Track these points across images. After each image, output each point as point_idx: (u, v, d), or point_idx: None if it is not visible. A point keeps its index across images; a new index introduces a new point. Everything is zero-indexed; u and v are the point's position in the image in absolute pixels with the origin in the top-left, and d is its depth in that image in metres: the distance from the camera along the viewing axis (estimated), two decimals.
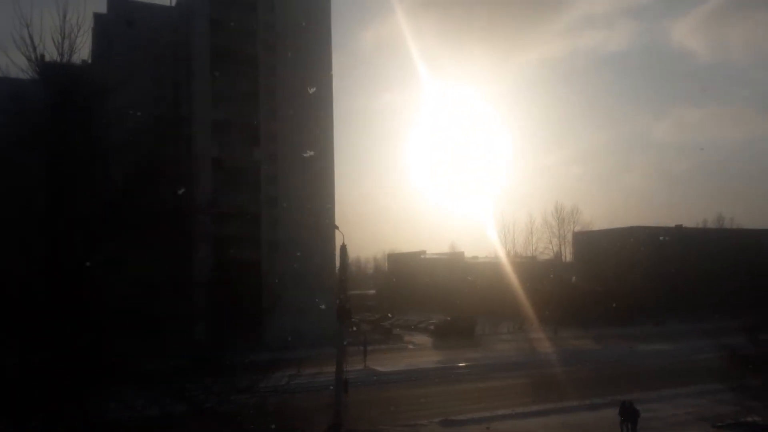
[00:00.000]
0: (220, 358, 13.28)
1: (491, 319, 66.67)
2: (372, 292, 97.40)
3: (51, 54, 12.55)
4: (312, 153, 58.14)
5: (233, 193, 53.93)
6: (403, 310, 77.72)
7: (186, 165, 51.92)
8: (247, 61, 57.49)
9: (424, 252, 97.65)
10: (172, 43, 59.31)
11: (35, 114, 13.08)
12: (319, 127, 59.51)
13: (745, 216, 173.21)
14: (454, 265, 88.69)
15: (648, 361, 45.72)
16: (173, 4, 63.39)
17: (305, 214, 56.41)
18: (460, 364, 45.32)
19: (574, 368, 41.97)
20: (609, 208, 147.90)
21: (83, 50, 13.05)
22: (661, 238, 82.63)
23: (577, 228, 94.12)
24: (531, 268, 78.85)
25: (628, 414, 25.92)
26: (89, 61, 19.81)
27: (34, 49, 12.16)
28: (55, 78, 12.82)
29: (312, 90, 58.27)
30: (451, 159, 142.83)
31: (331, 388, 24.76)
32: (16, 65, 12.39)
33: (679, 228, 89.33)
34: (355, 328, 51.30)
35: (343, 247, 25.36)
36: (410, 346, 56.94)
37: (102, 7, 57.87)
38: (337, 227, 35.59)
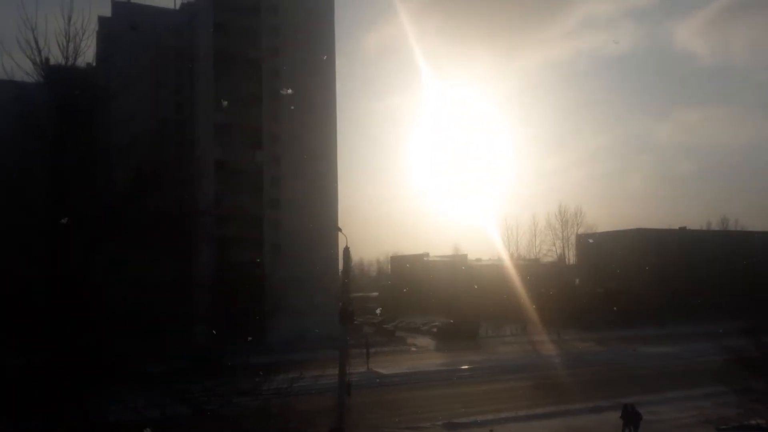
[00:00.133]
0: (221, 360, 13.31)
1: (494, 321, 66.58)
2: (375, 294, 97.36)
3: (56, 57, 12.59)
4: (315, 155, 58.29)
5: (236, 196, 54.12)
6: (407, 312, 77.66)
7: (189, 167, 52.10)
8: (251, 64, 57.66)
9: (427, 254, 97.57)
10: (175, 46, 59.62)
11: (39, 117, 13.14)
12: (323, 129, 59.64)
13: (749, 218, 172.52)
14: (457, 267, 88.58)
15: (651, 363, 45.58)
16: (177, 8, 63.71)
17: (308, 216, 56.49)
18: (463, 367, 45.25)
19: (577, 371, 41.86)
20: (612, 210, 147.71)
21: (88, 53, 13.09)
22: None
23: (581, 230, 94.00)
24: (534, 271, 78.72)
25: (630, 417, 25.83)
26: (93, 64, 19.88)
27: (39, 52, 12.20)
28: (60, 81, 12.86)
29: (315, 95, 58.38)
30: (454, 161, 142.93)
31: (334, 390, 24.74)
32: (21, 68, 12.44)
33: (683, 230, 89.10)
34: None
35: (346, 250, 25.32)
36: (413, 349, 56.88)
37: (107, 11, 58.25)
38: (340, 229, 35.65)
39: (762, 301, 57.11)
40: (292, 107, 58.11)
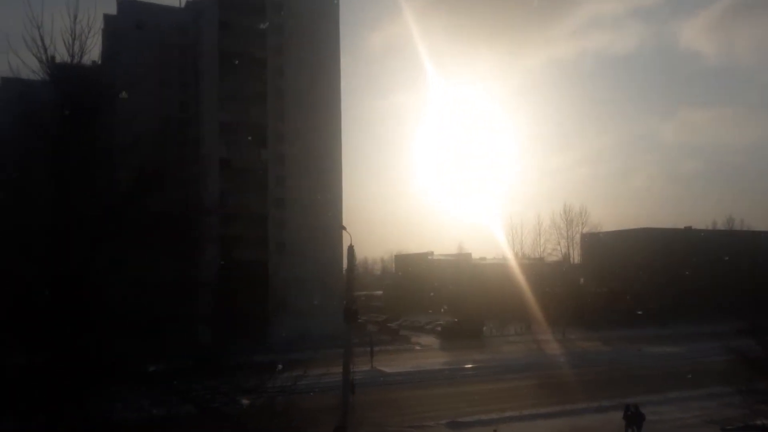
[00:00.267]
0: (225, 359, 13.31)
1: (499, 320, 66.48)
2: (379, 293, 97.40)
3: (61, 55, 12.60)
4: (319, 154, 58.33)
5: (240, 194, 54.26)
6: (411, 311, 77.64)
7: (194, 166, 52.18)
8: (255, 63, 57.71)
9: (431, 253, 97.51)
10: (180, 44, 59.70)
11: (43, 115, 13.17)
12: (327, 128, 59.65)
13: (755, 218, 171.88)
14: (461, 266, 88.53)
15: (656, 363, 45.45)
16: (182, 6, 63.82)
17: (312, 214, 56.56)
18: (468, 366, 45.22)
19: (581, 370, 41.77)
20: (617, 210, 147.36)
21: (93, 52, 13.08)
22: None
23: (586, 229, 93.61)
24: (539, 270, 78.47)
25: (632, 418, 25.74)
26: (99, 62, 19.93)
27: (45, 50, 12.19)
28: (66, 79, 12.88)
29: (320, 93, 58.38)
30: (458, 159, 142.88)
31: (338, 389, 24.73)
32: (27, 66, 12.45)
33: (688, 230, 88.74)
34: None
35: (351, 248, 25.26)
36: (417, 347, 56.86)
37: (112, 9, 58.32)
38: (344, 228, 35.61)
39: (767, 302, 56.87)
40: (297, 107, 58.13)
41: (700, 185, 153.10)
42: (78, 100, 12.75)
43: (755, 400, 24.28)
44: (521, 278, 67.17)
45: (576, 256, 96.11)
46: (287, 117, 58.66)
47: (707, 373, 32.92)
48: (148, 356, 12.89)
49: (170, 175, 14.33)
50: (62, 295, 11.51)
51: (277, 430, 13.65)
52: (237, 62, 56.04)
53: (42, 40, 12.08)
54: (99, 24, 15.61)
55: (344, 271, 35.36)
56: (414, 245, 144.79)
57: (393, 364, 44.96)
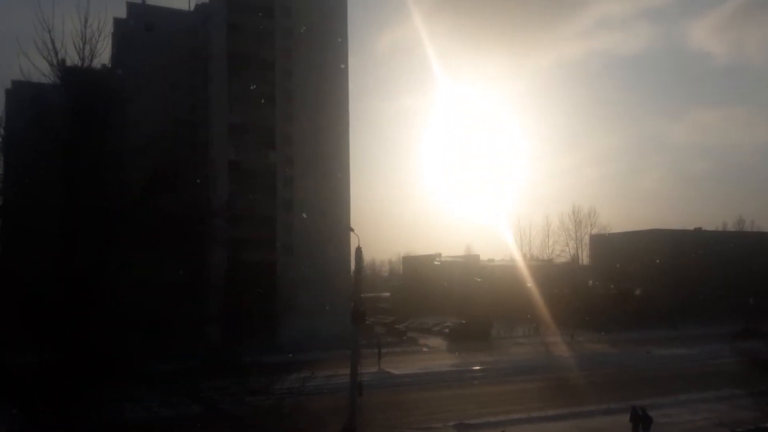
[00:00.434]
0: (234, 359, 13.38)
1: (507, 322, 66.27)
2: (387, 294, 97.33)
3: (72, 59, 12.70)
4: (327, 156, 58.45)
5: (249, 196, 54.43)
6: (418, 313, 77.57)
7: (203, 168, 52.43)
8: (264, 65, 57.94)
9: (439, 255, 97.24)
10: (190, 47, 60.03)
11: (54, 118, 13.29)
12: (335, 130, 59.76)
13: (766, 219, 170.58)
14: (469, 268, 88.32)
15: (665, 365, 45.20)
16: (191, 9, 64.18)
17: (320, 216, 56.68)
18: (475, 368, 45.12)
19: (590, 372, 41.58)
20: (626, 211, 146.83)
21: (104, 55, 13.20)
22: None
23: (594, 230, 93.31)
24: (547, 271, 78.21)
25: (639, 420, 25.59)
26: (109, 65, 20.13)
27: (56, 53, 12.29)
28: (76, 83, 12.98)
29: (328, 94, 58.51)
30: (466, 161, 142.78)
31: (346, 390, 24.79)
32: (38, 69, 12.55)
33: (698, 231, 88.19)
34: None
35: (358, 250, 25.36)
36: (425, 349, 56.81)
37: (121, 12, 58.72)
38: (352, 229, 35.72)
39: None
40: (305, 110, 58.29)
41: (710, 186, 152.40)
42: (88, 104, 12.86)
43: (766, 402, 24.14)
44: (529, 280, 67.03)
45: (585, 258, 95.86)
46: (295, 119, 58.84)
47: (717, 375, 32.77)
48: (158, 356, 12.98)
49: (179, 177, 14.42)
50: (72, 296, 11.62)
51: (285, 431, 13.71)
52: (246, 64, 56.31)
53: (53, 43, 12.20)
54: (109, 27, 15.73)
55: (352, 273, 35.46)
56: (422, 247, 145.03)
57: (401, 365, 44.94)
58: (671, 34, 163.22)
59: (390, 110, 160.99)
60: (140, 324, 12.54)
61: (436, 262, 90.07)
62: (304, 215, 56.17)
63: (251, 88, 56.95)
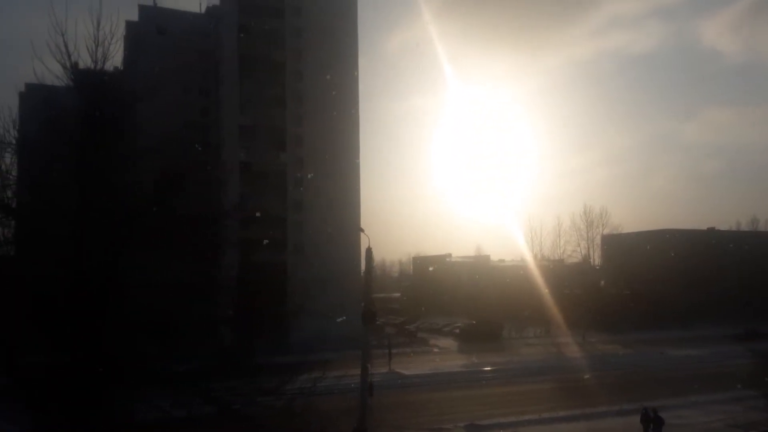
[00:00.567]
0: (246, 360, 13.45)
1: (518, 322, 66.10)
2: (397, 295, 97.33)
3: (85, 61, 12.81)
4: (338, 156, 58.52)
5: (260, 197, 54.56)
6: (429, 313, 77.51)
7: (214, 170, 52.64)
8: (275, 67, 58.13)
9: (449, 255, 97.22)
10: (201, 50, 60.36)
11: (67, 121, 13.41)
12: (345, 130, 59.85)
13: None
14: (479, 268, 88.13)
15: (678, 366, 44.91)
16: (202, 11, 64.53)
17: (331, 217, 56.79)
18: (486, 368, 45.04)
19: (602, 373, 41.38)
20: (638, 211, 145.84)
21: (116, 57, 13.31)
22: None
23: (606, 231, 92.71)
24: (558, 272, 77.90)
25: (650, 421, 25.41)
26: (121, 68, 20.25)
27: (69, 56, 12.40)
28: (89, 85, 13.10)
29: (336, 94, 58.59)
30: (476, 161, 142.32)
31: (357, 390, 24.82)
32: (51, 72, 12.68)
33: (711, 231, 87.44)
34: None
35: (369, 250, 25.38)
36: (435, 350, 56.76)
37: (133, 15, 59.19)
38: (362, 230, 35.73)
39: None
40: (316, 111, 58.42)
41: (723, 185, 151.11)
42: (101, 106, 12.98)
43: None
44: (540, 280, 66.72)
45: (596, 258, 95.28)
46: (306, 120, 59.00)
47: (731, 377, 32.44)
48: (170, 357, 13.07)
49: (191, 179, 14.51)
50: (84, 297, 11.73)
51: (296, 431, 13.76)
52: (256, 66, 56.51)
53: (66, 46, 12.31)
54: (121, 30, 15.89)
55: (362, 273, 35.47)
56: (432, 247, 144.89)
57: (411, 366, 44.94)
58: (683, 32, 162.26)
59: (400, 110, 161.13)
60: (152, 325, 12.64)
61: (447, 260, 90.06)
62: (314, 215, 56.26)
63: (262, 89, 57.19)
